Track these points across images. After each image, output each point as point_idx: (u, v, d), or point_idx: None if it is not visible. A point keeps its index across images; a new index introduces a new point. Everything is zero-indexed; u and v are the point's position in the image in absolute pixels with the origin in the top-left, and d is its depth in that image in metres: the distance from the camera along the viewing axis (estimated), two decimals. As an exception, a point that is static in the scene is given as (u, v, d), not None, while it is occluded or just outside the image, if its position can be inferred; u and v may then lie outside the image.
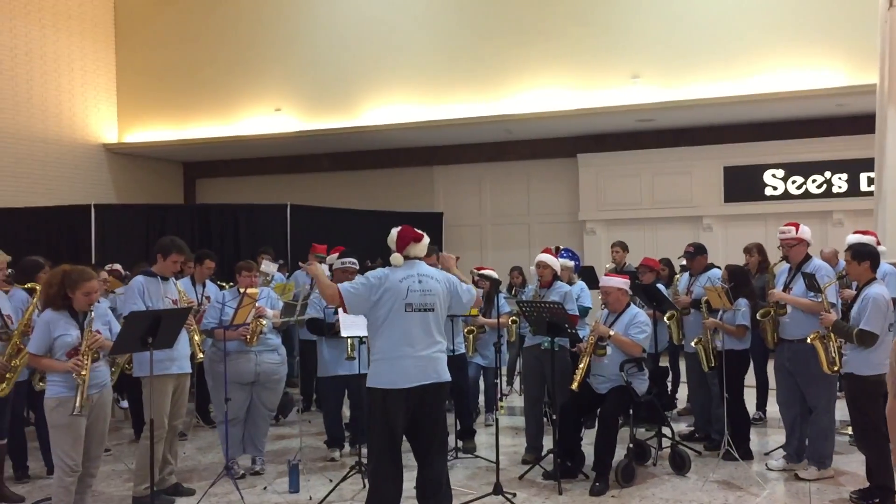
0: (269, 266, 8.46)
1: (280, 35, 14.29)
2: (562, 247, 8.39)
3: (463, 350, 7.14)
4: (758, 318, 6.40)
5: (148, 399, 5.56)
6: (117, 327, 5.21)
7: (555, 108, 12.40)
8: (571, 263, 7.97)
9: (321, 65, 13.95)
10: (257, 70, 14.37)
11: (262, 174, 15.95)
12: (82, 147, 14.43)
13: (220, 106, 14.53)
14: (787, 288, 6.17)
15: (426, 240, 5.07)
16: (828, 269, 6.21)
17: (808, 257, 6.20)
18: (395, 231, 5.06)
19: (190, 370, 5.96)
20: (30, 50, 13.41)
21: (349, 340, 6.47)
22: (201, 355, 5.94)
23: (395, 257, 4.96)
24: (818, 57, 11.31)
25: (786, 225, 6.29)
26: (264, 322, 6.30)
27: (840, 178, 12.45)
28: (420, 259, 5.04)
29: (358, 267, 7.07)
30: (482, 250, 14.37)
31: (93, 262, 9.87)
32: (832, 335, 5.67)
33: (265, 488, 6.09)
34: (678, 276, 7.99)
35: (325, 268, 7.78)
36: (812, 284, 5.79)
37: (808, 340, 5.72)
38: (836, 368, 5.70)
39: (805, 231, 6.21)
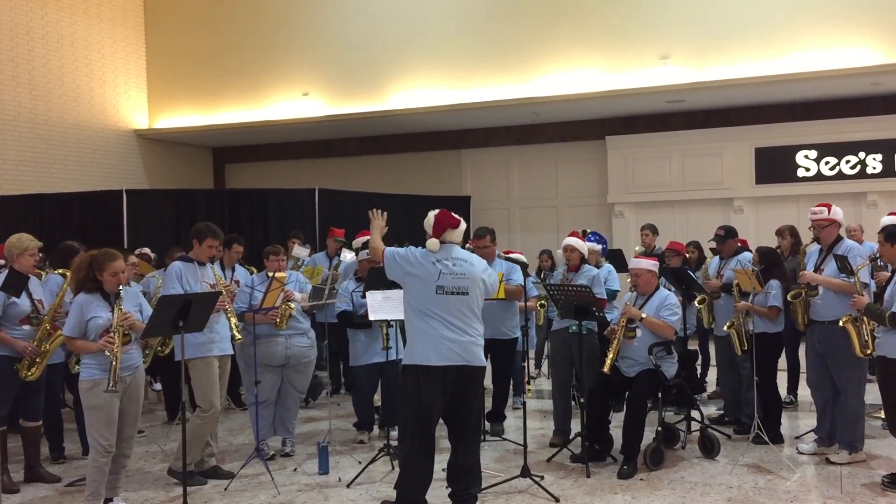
0: (300, 250, 8.52)
1: (308, 19, 14.30)
2: (589, 230, 8.35)
3: (516, 335, 7.03)
4: (789, 299, 6.34)
5: (196, 381, 5.76)
6: (149, 311, 5.29)
7: (583, 90, 12.30)
8: (599, 247, 7.93)
9: (349, 49, 13.95)
10: (285, 55, 14.41)
11: (291, 159, 16.02)
12: (113, 133, 14.58)
13: (248, 91, 14.59)
14: (818, 269, 6.09)
15: (463, 225, 5.08)
16: (860, 248, 6.13)
17: (839, 238, 6.11)
18: (432, 215, 5.08)
19: (231, 352, 6.05)
20: (61, 37, 13.55)
21: (383, 330, 6.48)
22: (239, 336, 5.99)
23: (432, 242, 4.98)
24: (852, 35, 11.09)
25: (817, 206, 6.20)
26: (293, 306, 6.34)
27: (874, 159, 12.23)
28: (456, 243, 5.05)
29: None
30: (510, 234, 14.33)
31: (125, 246, 10.00)
32: (865, 318, 5.59)
33: (295, 469, 6.16)
34: (708, 259, 7.92)
35: (350, 255, 7.83)
36: (844, 267, 5.71)
37: (841, 323, 5.65)
38: (868, 352, 5.62)
39: (837, 212, 6.12)
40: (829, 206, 6.13)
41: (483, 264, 5.13)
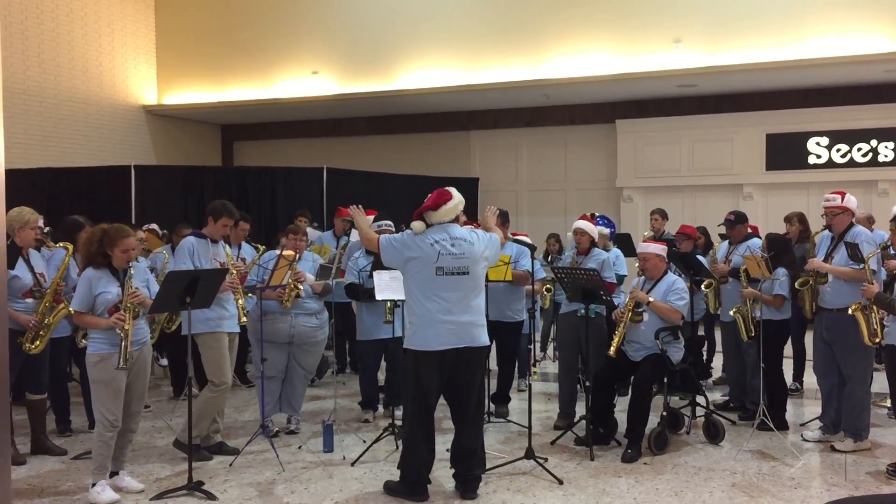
0: (311, 232, 8.52)
1: (318, -3, 14.22)
2: (597, 213, 8.31)
3: (522, 318, 7.05)
4: (796, 287, 6.31)
5: (207, 356, 5.79)
6: (156, 287, 5.29)
7: (594, 73, 12.22)
8: (607, 231, 7.90)
9: (359, 28, 13.87)
10: (295, 33, 14.34)
11: (300, 137, 15.99)
12: (122, 108, 14.56)
13: (258, 68, 14.54)
14: (828, 257, 6.06)
15: (450, 204, 4.99)
16: (869, 236, 6.07)
17: (851, 226, 6.07)
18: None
19: (238, 330, 6.06)
20: (71, 10, 13.50)
21: (386, 304, 6.50)
22: (244, 318, 6.01)
23: (416, 224, 4.97)
24: (867, 22, 10.98)
25: (831, 193, 6.17)
26: (302, 287, 6.32)
27: (886, 147, 12.15)
28: (446, 222, 5.01)
29: (394, 229, 7.09)
30: (518, 216, 14.28)
31: (132, 221, 10.00)
32: (874, 306, 5.56)
33: (300, 447, 6.18)
34: (716, 244, 7.89)
35: (355, 232, 7.83)
36: (855, 254, 5.67)
37: (850, 311, 5.62)
38: (877, 340, 5.60)
39: (851, 200, 6.07)
40: (842, 194, 6.09)
41: (485, 241, 5.08)
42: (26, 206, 6.02)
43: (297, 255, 6.41)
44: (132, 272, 5.06)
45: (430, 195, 5.05)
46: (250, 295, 6.48)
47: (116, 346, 4.92)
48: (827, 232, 6.25)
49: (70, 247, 6.07)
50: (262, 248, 6.89)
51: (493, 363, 7.16)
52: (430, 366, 4.87)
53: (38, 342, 5.80)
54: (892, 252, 6.14)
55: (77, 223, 6.60)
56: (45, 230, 6.40)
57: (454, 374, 4.94)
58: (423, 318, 4.88)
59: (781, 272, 6.47)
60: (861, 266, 5.64)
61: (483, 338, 5.01)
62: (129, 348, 4.98)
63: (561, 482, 5.34)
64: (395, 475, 5.21)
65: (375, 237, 5.08)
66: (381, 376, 7.36)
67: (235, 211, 6.11)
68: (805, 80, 11.97)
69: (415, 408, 4.97)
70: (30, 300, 5.83)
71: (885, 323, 5.56)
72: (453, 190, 5.07)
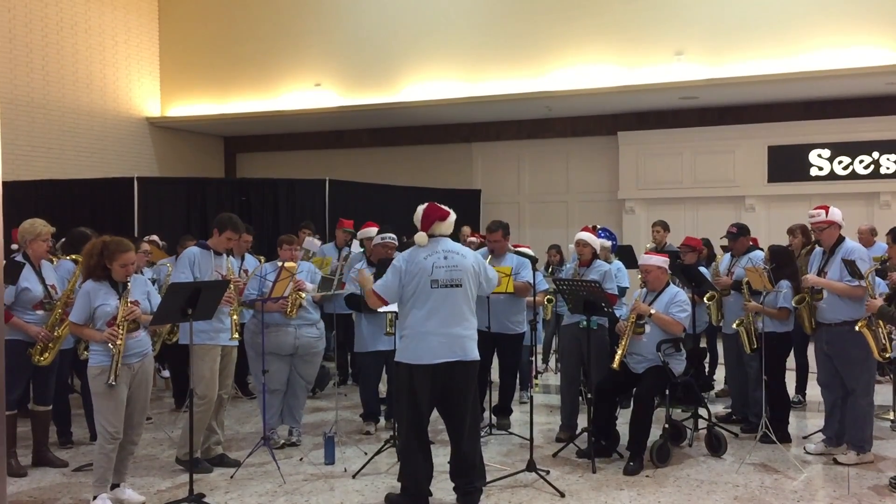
0: (311, 244, 8.52)
1: (321, 10, 14.28)
2: (599, 226, 8.31)
3: (523, 330, 7.03)
4: (794, 304, 6.30)
5: (195, 367, 5.71)
6: (157, 299, 5.30)
7: (596, 85, 12.24)
8: (609, 243, 7.90)
9: (362, 40, 13.92)
10: (298, 45, 14.40)
11: (302, 149, 16.03)
12: (126, 120, 14.61)
13: (261, 80, 14.59)
14: (821, 272, 6.06)
15: (452, 217, 5.10)
16: (863, 250, 6.08)
17: (841, 239, 6.07)
18: (420, 209, 5.11)
19: (236, 343, 6.03)
20: (75, 23, 13.57)
21: (387, 316, 6.50)
22: (237, 335, 5.94)
23: (420, 236, 5.01)
24: (868, 34, 11.00)
25: (815, 208, 6.18)
26: (304, 296, 6.34)
27: (888, 159, 12.15)
28: (445, 236, 5.06)
29: (397, 242, 7.09)
30: (520, 228, 14.29)
31: (135, 233, 10.02)
32: (880, 321, 5.55)
33: (301, 459, 6.17)
34: (719, 256, 7.88)
35: (356, 244, 7.83)
36: (854, 271, 5.66)
37: (857, 328, 5.60)
38: (887, 355, 5.58)
39: (835, 213, 6.08)
40: (826, 208, 6.10)
41: (474, 256, 5.14)
42: (28, 218, 6.04)
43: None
44: (130, 287, 5.06)
45: (423, 210, 5.08)
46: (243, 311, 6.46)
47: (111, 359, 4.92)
48: (818, 248, 6.25)
49: (80, 259, 6.07)
50: (264, 259, 6.88)
51: (494, 375, 7.18)
52: (423, 379, 4.88)
53: (47, 354, 5.81)
54: (890, 265, 6.14)
55: (84, 235, 6.61)
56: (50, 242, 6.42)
57: (446, 388, 4.94)
58: (416, 330, 4.90)
59: (784, 284, 6.46)
60: (857, 282, 5.63)
61: (474, 352, 5.02)
62: (130, 360, 5.00)
63: (563, 495, 5.33)
64: (396, 487, 5.20)
65: (372, 294, 5.01)
66: (383, 388, 7.36)
67: (241, 225, 6.11)
68: (806, 92, 11.99)
69: (409, 420, 4.98)
70: (40, 312, 5.85)
71: (892, 336, 5.54)
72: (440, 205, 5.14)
